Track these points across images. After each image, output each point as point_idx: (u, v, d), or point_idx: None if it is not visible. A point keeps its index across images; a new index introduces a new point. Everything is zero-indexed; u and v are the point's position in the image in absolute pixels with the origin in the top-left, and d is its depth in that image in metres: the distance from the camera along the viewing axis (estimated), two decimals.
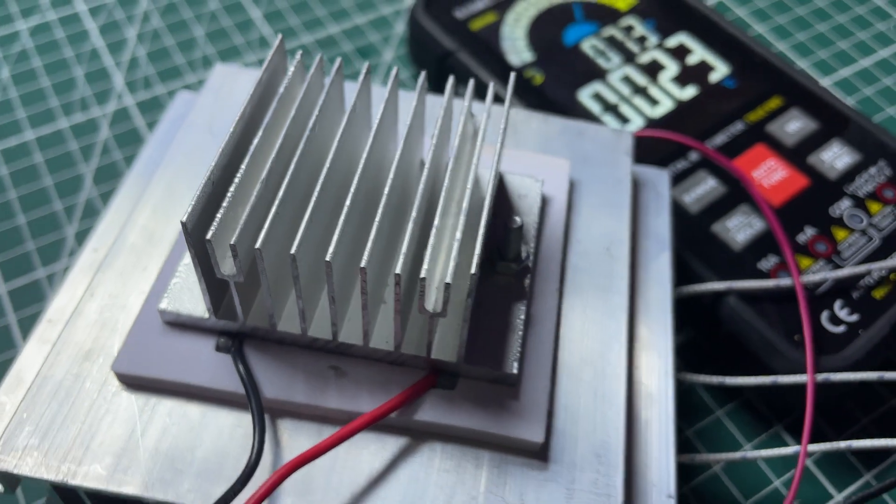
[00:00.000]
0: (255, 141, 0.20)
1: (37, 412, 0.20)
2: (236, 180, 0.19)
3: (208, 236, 0.18)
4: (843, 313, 0.29)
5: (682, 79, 0.36)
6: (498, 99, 0.35)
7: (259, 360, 0.21)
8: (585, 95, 0.35)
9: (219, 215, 0.18)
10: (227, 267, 0.19)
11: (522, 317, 0.22)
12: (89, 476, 0.19)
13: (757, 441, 0.30)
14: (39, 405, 0.20)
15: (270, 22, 0.43)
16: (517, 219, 0.21)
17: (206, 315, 0.21)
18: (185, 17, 0.43)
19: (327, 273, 0.18)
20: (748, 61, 0.37)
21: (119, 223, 0.25)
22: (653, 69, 0.37)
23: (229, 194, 0.19)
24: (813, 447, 0.27)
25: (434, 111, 0.26)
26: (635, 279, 0.26)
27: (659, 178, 0.29)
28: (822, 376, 0.27)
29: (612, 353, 0.22)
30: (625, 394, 0.22)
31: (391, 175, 0.20)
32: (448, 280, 0.18)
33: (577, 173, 0.27)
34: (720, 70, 0.37)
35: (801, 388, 0.27)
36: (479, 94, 0.36)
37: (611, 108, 0.35)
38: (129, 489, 0.19)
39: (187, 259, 0.22)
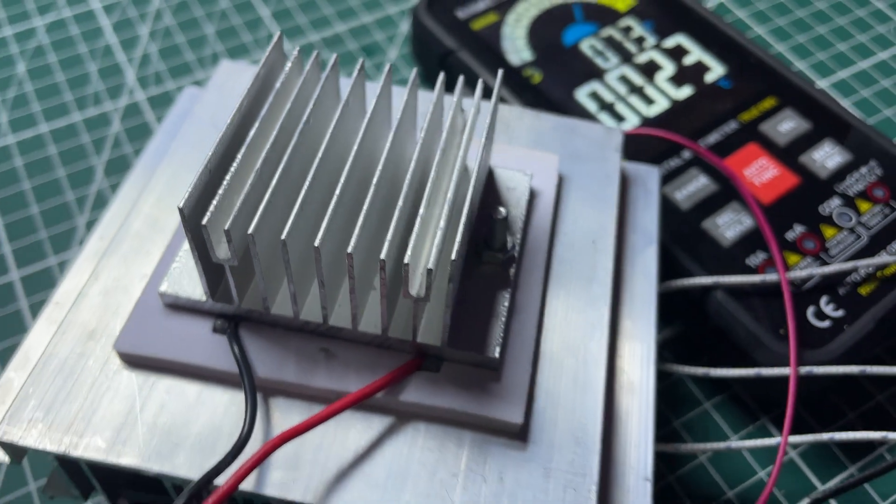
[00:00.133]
0: (252, 132, 0.21)
1: (42, 388, 0.21)
2: (232, 169, 0.20)
3: (204, 222, 0.19)
4: (828, 309, 0.30)
5: (679, 79, 0.37)
6: None
7: (253, 342, 0.22)
8: (582, 94, 0.36)
9: (214, 202, 0.19)
10: (221, 251, 0.20)
11: (506, 304, 0.22)
12: (90, 448, 0.20)
13: (743, 433, 0.31)
14: (44, 381, 0.21)
15: (279, 20, 0.44)
16: (502, 210, 0.22)
17: (204, 298, 0.22)
18: (196, 15, 0.44)
19: (316, 258, 0.19)
20: (744, 62, 0.37)
21: (125, 212, 0.27)
22: (650, 69, 0.37)
23: (225, 182, 0.20)
24: (796, 438, 0.28)
25: (442, 110, 0.27)
26: (621, 272, 0.26)
27: (649, 175, 0.29)
28: (805, 369, 0.28)
29: (593, 342, 0.23)
30: (604, 380, 0.22)
31: (380, 166, 0.21)
32: (430, 266, 0.19)
33: (566, 169, 0.27)
34: (716, 71, 0.37)
35: (786, 381, 0.28)
36: (483, 94, 0.36)
37: (607, 107, 0.36)
38: (127, 460, 0.20)
39: (187, 245, 0.23)
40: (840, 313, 0.30)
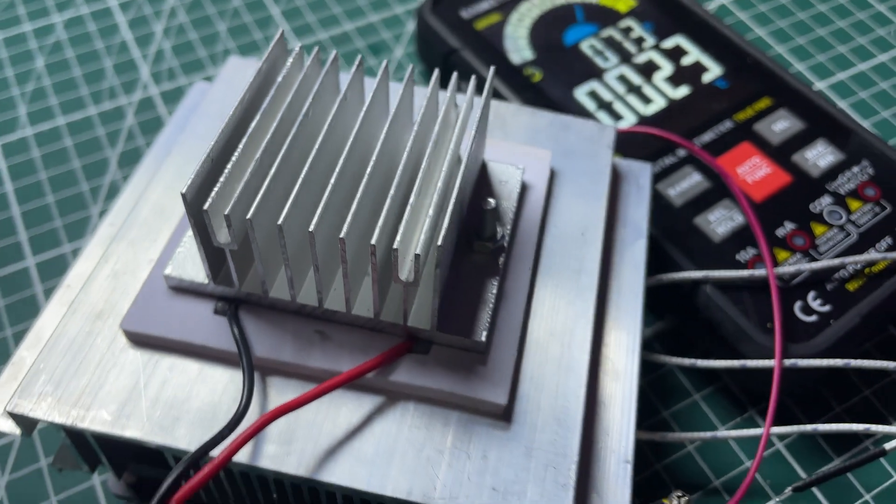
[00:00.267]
0: (253, 124, 0.22)
1: (52, 364, 0.22)
2: (233, 158, 0.21)
3: (205, 207, 0.20)
4: (815, 304, 0.30)
5: (676, 79, 0.38)
6: (497, 95, 0.37)
7: (252, 323, 0.23)
8: (581, 93, 0.37)
9: (216, 189, 0.20)
10: (222, 236, 0.21)
11: (494, 292, 0.23)
12: (96, 420, 0.21)
13: (731, 424, 0.32)
14: (54, 358, 0.23)
15: (288, 19, 0.45)
16: (491, 201, 0.23)
17: (206, 281, 0.23)
18: (209, 13, 0.45)
19: (310, 243, 0.20)
20: (741, 63, 0.38)
21: (134, 200, 0.28)
22: (648, 69, 0.38)
23: (226, 170, 0.21)
24: (781, 429, 0.29)
25: (437, 104, 0.28)
26: (611, 264, 0.27)
27: (641, 172, 0.30)
28: (789, 362, 0.29)
29: (578, 329, 0.24)
30: (587, 366, 0.23)
31: (374, 157, 0.22)
32: (418, 252, 0.20)
33: (559, 164, 0.28)
34: (713, 71, 0.38)
35: (772, 373, 0.29)
36: (479, 88, 0.38)
37: (605, 106, 0.37)
38: (130, 433, 0.21)
39: (191, 232, 0.24)
40: (827, 308, 0.30)
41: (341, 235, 0.20)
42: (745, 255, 0.32)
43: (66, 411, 0.22)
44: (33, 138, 0.40)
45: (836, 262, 0.31)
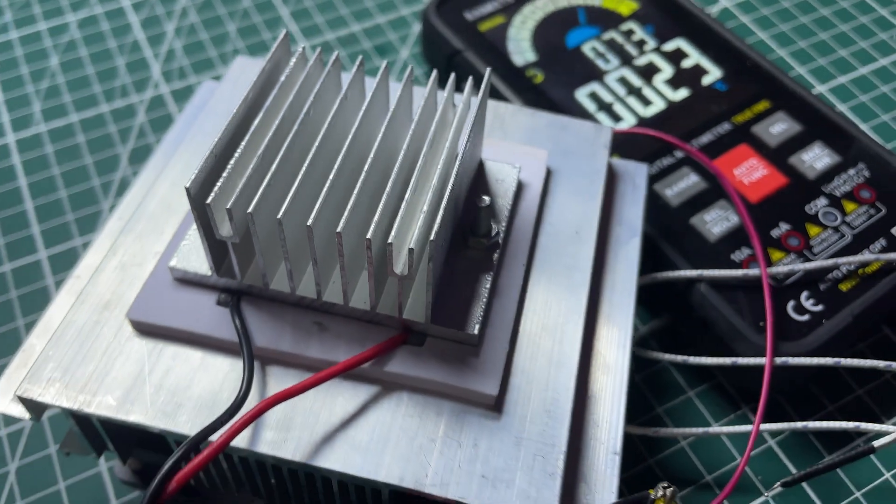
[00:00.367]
0: (256, 122, 0.23)
1: (60, 351, 0.23)
2: (236, 154, 0.22)
3: (208, 201, 0.21)
4: (808, 303, 0.31)
5: (676, 81, 0.38)
6: (499, 96, 0.38)
7: (253, 314, 0.24)
8: (582, 94, 0.38)
9: (219, 183, 0.21)
10: (224, 229, 0.22)
11: (488, 286, 0.24)
12: (102, 405, 0.22)
13: (724, 421, 0.32)
14: (63, 346, 0.23)
15: (297, 20, 0.46)
16: (485, 198, 0.24)
17: (210, 273, 0.24)
18: (219, 14, 0.46)
19: (309, 237, 0.21)
20: (741, 66, 0.39)
21: (142, 194, 0.29)
22: (648, 71, 0.39)
23: (229, 166, 0.22)
24: (771, 426, 0.29)
25: (436, 104, 0.29)
26: (605, 261, 0.28)
27: (637, 172, 0.31)
28: (780, 360, 0.29)
29: (570, 324, 0.25)
30: (578, 360, 0.24)
31: (372, 154, 0.22)
32: (412, 246, 0.20)
33: (556, 163, 0.29)
34: (713, 74, 0.38)
35: (763, 371, 0.29)
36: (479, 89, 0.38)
37: (605, 107, 0.37)
38: (134, 418, 0.22)
39: (196, 225, 0.25)
40: (819, 308, 0.31)
41: (338, 230, 0.21)
42: (741, 254, 0.32)
43: (73, 396, 0.22)
44: (47, 134, 0.41)
45: (830, 262, 0.31)
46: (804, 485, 0.31)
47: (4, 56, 0.44)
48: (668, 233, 0.33)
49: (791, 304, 0.31)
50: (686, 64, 0.39)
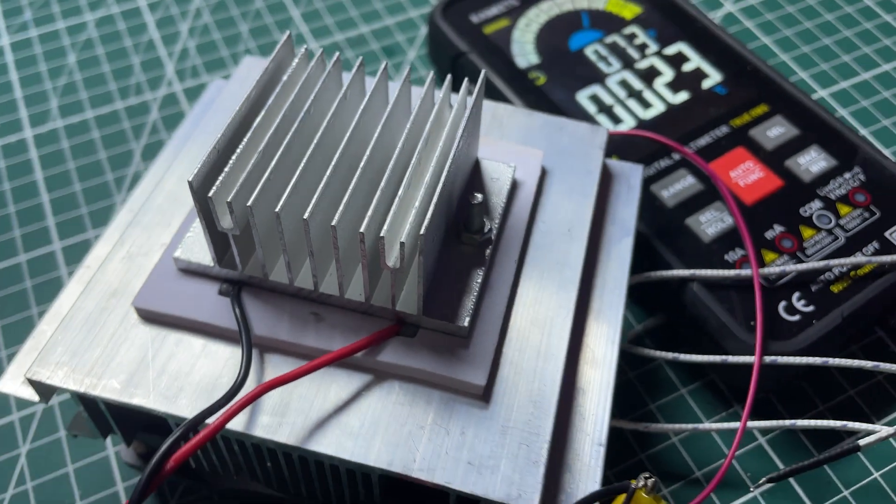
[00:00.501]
0: (258, 119, 0.24)
1: (69, 337, 0.24)
2: (238, 150, 0.23)
3: (210, 194, 0.22)
4: (799, 304, 0.31)
5: (676, 85, 0.39)
6: (501, 97, 0.39)
7: (252, 304, 0.25)
8: (583, 97, 0.39)
9: (220, 178, 0.22)
10: (225, 221, 0.23)
11: (479, 281, 0.25)
12: (107, 388, 0.23)
13: (716, 418, 0.33)
14: (71, 331, 0.25)
15: (307, 21, 0.47)
16: (478, 195, 0.25)
17: (212, 264, 0.25)
18: (232, 14, 0.47)
19: (305, 230, 0.22)
20: (741, 70, 0.39)
21: (151, 188, 0.30)
22: (649, 75, 0.39)
23: (231, 161, 0.23)
24: (761, 424, 0.30)
25: (433, 104, 0.30)
26: (598, 259, 0.29)
27: (633, 173, 0.32)
28: (769, 358, 0.30)
29: (559, 319, 0.25)
30: (566, 353, 0.25)
31: (368, 151, 0.23)
32: (403, 239, 0.21)
33: (551, 163, 0.30)
34: (713, 78, 0.39)
35: (761, 372, 0.30)
36: (489, 92, 0.39)
37: (605, 109, 0.38)
38: (137, 401, 0.23)
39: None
40: (810, 309, 0.31)
41: (332, 223, 0.21)
42: (734, 255, 0.33)
43: (79, 379, 0.23)
44: (63, 130, 0.42)
45: (822, 264, 0.32)
46: (793, 483, 0.31)
47: (24, 53, 0.45)
48: (663, 233, 0.33)
49: (782, 304, 0.31)
50: (687, 68, 0.40)
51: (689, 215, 0.34)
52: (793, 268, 0.32)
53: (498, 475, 0.22)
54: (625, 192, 0.31)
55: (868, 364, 0.30)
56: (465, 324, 0.24)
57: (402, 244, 0.21)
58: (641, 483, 0.23)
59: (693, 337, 0.33)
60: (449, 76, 0.26)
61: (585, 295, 0.28)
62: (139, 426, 0.27)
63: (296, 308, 0.25)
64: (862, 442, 0.29)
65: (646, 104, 0.38)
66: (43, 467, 0.31)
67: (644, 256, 0.33)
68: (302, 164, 0.23)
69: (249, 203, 0.22)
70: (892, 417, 0.32)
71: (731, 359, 0.30)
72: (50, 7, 0.48)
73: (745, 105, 0.38)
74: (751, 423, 0.30)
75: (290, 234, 0.23)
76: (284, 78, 0.25)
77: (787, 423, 0.30)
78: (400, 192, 0.22)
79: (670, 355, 0.31)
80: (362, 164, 0.23)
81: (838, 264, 0.32)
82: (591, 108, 0.38)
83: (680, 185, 0.35)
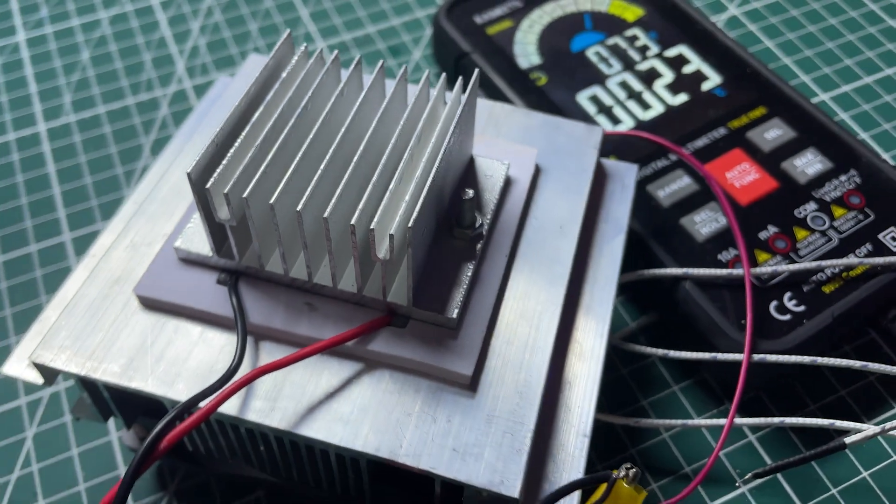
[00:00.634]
0: (256, 114, 0.25)
1: (72, 322, 0.25)
2: (236, 144, 0.24)
3: (208, 186, 0.23)
4: (790, 304, 0.32)
5: (676, 86, 0.39)
6: (502, 97, 0.39)
7: (249, 293, 0.25)
8: (583, 97, 0.39)
9: (218, 170, 0.23)
10: (222, 212, 0.23)
11: (469, 274, 0.26)
12: (107, 372, 0.24)
13: (706, 415, 0.33)
14: (75, 317, 0.25)
15: (316, 20, 0.48)
16: (469, 191, 0.25)
17: (211, 254, 0.26)
18: (242, 13, 0.48)
19: (298, 222, 0.23)
20: (741, 73, 0.40)
21: (156, 181, 0.31)
22: (650, 76, 0.40)
23: (229, 154, 0.23)
24: (747, 420, 0.30)
25: (428, 101, 0.30)
26: (590, 256, 0.29)
27: (627, 172, 0.32)
28: (758, 356, 0.30)
29: (547, 313, 0.26)
30: (552, 347, 0.25)
31: (362, 146, 0.24)
32: (392, 232, 0.22)
33: (546, 161, 0.30)
34: (713, 80, 0.40)
35: (751, 370, 0.30)
36: (490, 92, 0.40)
37: (605, 110, 0.39)
38: (135, 384, 0.24)
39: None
40: (801, 308, 0.32)
41: (325, 215, 0.22)
42: (727, 255, 0.33)
43: (81, 363, 0.24)
44: (76, 124, 0.43)
45: (814, 265, 0.32)
46: (782, 481, 0.31)
47: (39, 49, 0.46)
48: (657, 232, 0.34)
49: (774, 303, 0.32)
50: (687, 70, 0.40)
51: (684, 215, 0.34)
52: (785, 268, 0.32)
53: (482, 462, 0.23)
54: (619, 191, 0.31)
55: (857, 364, 0.30)
56: (454, 315, 0.24)
57: (391, 236, 0.22)
58: (623, 473, 0.24)
59: (685, 335, 0.33)
60: (443, 75, 0.27)
61: (576, 290, 0.28)
62: (139, 410, 0.27)
63: (290, 298, 0.25)
64: (847, 440, 0.29)
65: (645, 105, 0.39)
66: (48, 450, 0.32)
67: (639, 255, 0.34)
68: (297, 158, 0.23)
69: (245, 195, 0.22)
70: (883, 418, 0.33)
71: (721, 356, 0.30)
72: (65, 5, 0.49)
73: (744, 107, 0.38)
74: (740, 420, 0.31)
75: (285, 225, 0.23)
76: (283, 75, 0.26)
77: (776, 420, 0.30)
78: (391, 187, 0.23)
79: (661, 352, 0.31)
80: (356, 158, 0.24)
81: (830, 265, 0.32)
82: (591, 109, 0.39)
83: (676, 186, 0.35)
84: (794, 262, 0.33)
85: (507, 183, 0.29)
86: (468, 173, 0.28)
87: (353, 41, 0.47)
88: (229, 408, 0.23)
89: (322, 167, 0.23)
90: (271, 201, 0.22)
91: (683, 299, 0.32)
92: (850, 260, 0.32)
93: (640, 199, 0.35)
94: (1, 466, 0.32)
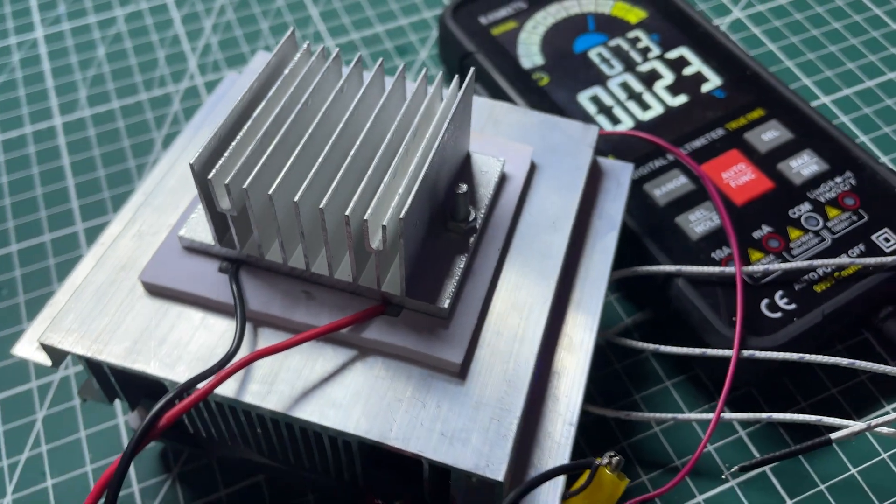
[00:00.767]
0: (259, 109, 0.26)
1: (80, 306, 0.26)
2: (238, 137, 0.25)
3: (210, 176, 0.24)
4: (781, 302, 0.32)
5: (676, 88, 0.40)
6: (504, 96, 0.40)
7: (249, 281, 0.26)
8: (584, 97, 0.40)
9: (220, 162, 0.24)
10: (224, 203, 0.24)
11: (461, 266, 0.26)
12: (111, 354, 0.25)
13: (697, 411, 0.34)
14: (82, 301, 0.26)
15: (325, 19, 0.49)
16: (463, 186, 0.26)
17: (213, 243, 0.27)
18: (254, 12, 0.49)
19: (295, 212, 0.24)
20: (741, 75, 0.40)
21: (164, 173, 0.32)
22: (650, 78, 0.40)
23: (231, 147, 0.24)
24: (735, 415, 0.31)
25: (425, 98, 0.31)
26: (583, 252, 0.30)
27: (623, 171, 0.33)
28: (747, 353, 0.31)
29: (537, 306, 0.27)
30: (541, 338, 0.26)
31: (359, 140, 0.25)
32: (384, 223, 0.23)
33: (542, 159, 0.31)
34: (713, 81, 0.40)
35: (741, 366, 0.31)
36: (493, 92, 0.41)
37: (605, 110, 0.39)
38: (138, 366, 0.25)
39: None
40: (792, 307, 0.32)
41: (321, 206, 0.23)
42: (721, 253, 0.34)
43: (87, 345, 0.25)
44: (90, 118, 0.44)
45: (805, 264, 0.33)
46: (771, 476, 0.32)
47: (56, 46, 0.48)
48: (652, 230, 0.35)
49: (765, 301, 0.32)
50: (688, 71, 0.41)
51: (680, 214, 0.35)
52: (777, 266, 0.33)
53: (469, 446, 0.23)
54: (614, 189, 0.32)
55: (844, 361, 0.30)
56: (446, 305, 0.25)
57: (384, 227, 0.23)
58: (606, 461, 0.24)
59: (678, 331, 0.34)
60: (440, 73, 0.27)
61: (568, 285, 0.29)
62: (142, 392, 0.28)
63: (289, 286, 0.26)
64: (833, 435, 0.29)
65: (645, 106, 0.39)
66: (57, 432, 0.33)
67: (634, 253, 0.35)
68: (296, 151, 0.24)
69: (245, 186, 0.23)
70: (872, 416, 0.33)
71: (710, 351, 0.31)
72: (82, 2, 0.50)
73: (742, 109, 0.39)
74: (729, 415, 0.31)
75: (283, 216, 0.24)
76: (286, 71, 0.27)
77: (764, 415, 0.31)
78: (385, 180, 0.24)
79: (652, 346, 0.32)
80: (352, 152, 0.25)
81: (822, 265, 0.33)
82: (592, 109, 0.39)
83: (672, 185, 0.36)
84: (786, 261, 0.33)
85: (503, 179, 0.30)
86: (464, 169, 0.29)
87: (361, 40, 0.48)
88: (228, 390, 0.24)
89: (320, 160, 0.24)
90: (270, 192, 0.23)
91: (676, 296, 0.33)
92: (842, 260, 0.33)
93: (637, 197, 0.36)
94: (12, 446, 0.33)
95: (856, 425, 0.29)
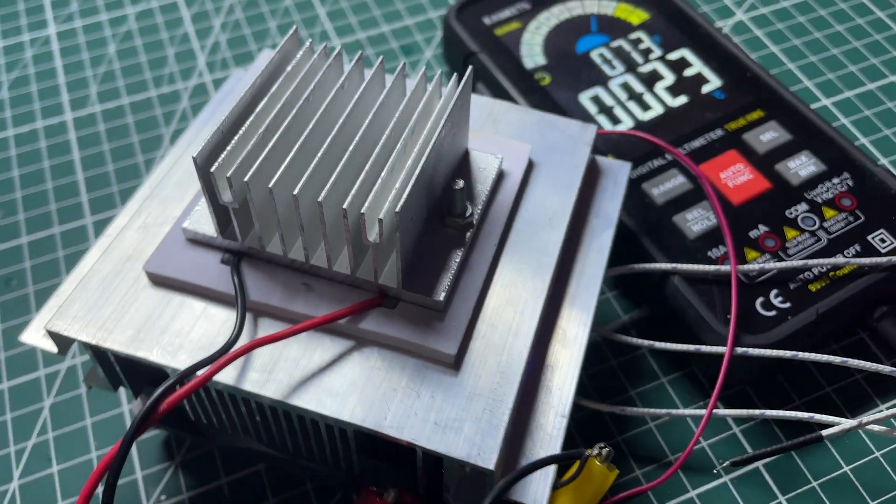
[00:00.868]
0: (261, 104, 0.26)
1: (86, 295, 0.27)
2: (240, 131, 0.25)
3: (212, 169, 0.24)
4: (776, 301, 0.33)
5: (676, 89, 0.40)
6: (506, 96, 0.41)
7: (250, 272, 0.27)
8: (585, 97, 0.40)
9: (222, 155, 0.25)
10: (225, 195, 0.25)
11: (458, 260, 0.27)
12: (116, 341, 0.26)
13: (693, 407, 0.34)
14: (88, 290, 0.27)
15: (332, 19, 0.49)
16: (460, 182, 0.27)
17: (215, 235, 0.27)
18: (262, 11, 0.50)
19: (295, 205, 0.24)
20: (741, 77, 0.41)
21: (170, 166, 0.32)
22: (651, 78, 0.41)
23: (233, 141, 0.25)
24: (728, 412, 0.31)
25: (423, 95, 0.32)
26: (579, 249, 0.30)
27: (620, 169, 0.33)
28: (741, 350, 0.31)
29: (532, 301, 0.27)
30: (535, 332, 0.26)
31: (358, 136, 0.25)
32: (381, 216, 0.24)
33: (540, 157, 0.32)
34: (713, 83, 0.41)
35: (735, 363, 0.31)
36: (495, 91, 0.41)
37: (605, 110, 0.40)
38: (141, 353, 0.26)
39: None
40: (787, 305, 0.33)
41: (319, 199, 0.24)
42: (717, 252, 0.34)
43: (92, 333, 0.26)
44: (100, 114, 0.45)
45: (800, 263, 0.33)
46: (764, 472, 0.32)
47: (68, 42, 0.49)
48: (650, 229, 0.35)
49: (760, 300, 0.33)
50: (688, 73, 0.41)
51: (677, 213, 0.35)
52: (772, 265, 0.33)
53: (461, 436, 0.24)
54: (611, 187, 0.33)
55: (837, 360, 0.31)
56: (442, 298, 0.26)
57: (380, 221, 0.24)
58: (596, 451, 0.25)
59: (674, 328, 0.34)
60: (439, 71, 0.28)
61: (563, 281, 0.29)
62: (145, 379, 0.29)
63: (288, 278, 0.27)
64: (825, 432, 0.30)
65: (645, 106, 0.40)
66: (64, 420, 0.34)
67: (631, 251, 0.35)
68: (297, 146, 0.25)
69: (246, 179, 0.24)
70: (865, 414, 0.33)
71: (705, 348, 0.31)
72: (94, 0, 0.51)
73: (742, 110, 0.39)
74: (723, 411, 0.32)
75: (283, 209, 0.25)
76: (288, 68, 0.28)
77: (757, 412, 0.31)
78: (383, 175, 0.25)
79: (647, 343, 0.32)
80: (351, 147, 0.25)
81: (817, 264, 0.33)
82: (592, 109, 0.40)
83: (670, 184, 0.36)
84: (782, 260, 0.34)
85: (500, 176, 0.30)
86: (462, 165, 0.30)
87: (367, 40, 0.48)
88: (228, 377, 0.25)
89: (319, 155, 0.25)
90: (270, 185, 0.24)
91: (672, 294, 0.33)
92: (837, 259, 0.33)
93: (635, 196, 0.36)
94: (20, 433, 0.34)
95: (847, 423, 0.30)
